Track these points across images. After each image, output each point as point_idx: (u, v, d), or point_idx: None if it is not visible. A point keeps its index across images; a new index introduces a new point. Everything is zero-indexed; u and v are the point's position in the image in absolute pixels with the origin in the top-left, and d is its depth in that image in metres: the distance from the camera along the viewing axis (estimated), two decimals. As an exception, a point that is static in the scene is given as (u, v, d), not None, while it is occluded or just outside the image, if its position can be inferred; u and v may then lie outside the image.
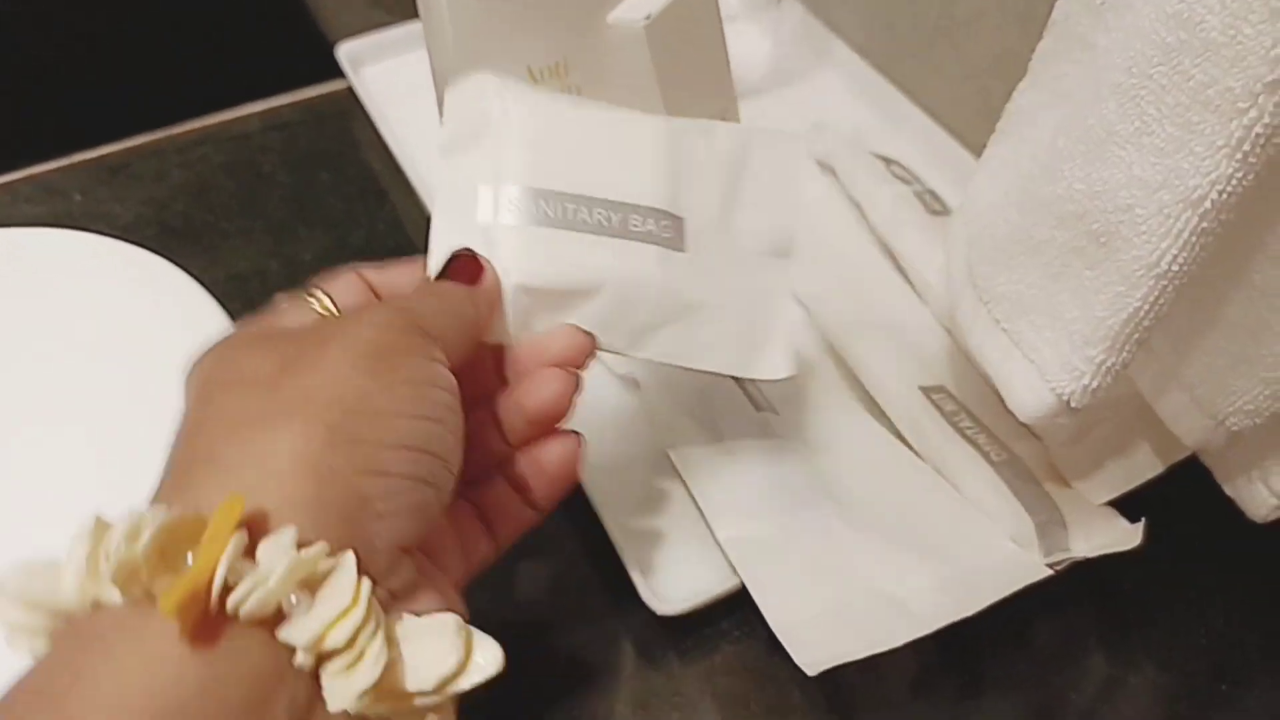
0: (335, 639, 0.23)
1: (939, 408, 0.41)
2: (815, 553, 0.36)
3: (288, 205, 0.55)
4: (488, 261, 0.33)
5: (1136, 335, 0.28)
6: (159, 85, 0.58)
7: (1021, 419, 0.32)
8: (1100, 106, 0.27)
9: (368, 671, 0.23)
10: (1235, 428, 0.31)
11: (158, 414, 0.39)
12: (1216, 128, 0.24)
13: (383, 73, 0.60)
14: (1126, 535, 0.35)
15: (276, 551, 0.22)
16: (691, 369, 0.35)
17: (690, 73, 0.45)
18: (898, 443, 0.41)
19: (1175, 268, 0.26)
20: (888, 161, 0.53)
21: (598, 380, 0.45)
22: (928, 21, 0.54)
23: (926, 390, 0.43)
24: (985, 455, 0.38)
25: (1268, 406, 0.29)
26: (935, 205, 0.50)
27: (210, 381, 0.27)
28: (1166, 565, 0.41)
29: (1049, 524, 0.35)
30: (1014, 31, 0.49)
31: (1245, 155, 0.24)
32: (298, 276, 0.51)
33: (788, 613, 0.34)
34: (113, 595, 0.22)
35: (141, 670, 0.22)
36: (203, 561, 0.22)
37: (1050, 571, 0.34)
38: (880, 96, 0.58)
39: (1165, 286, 0.27)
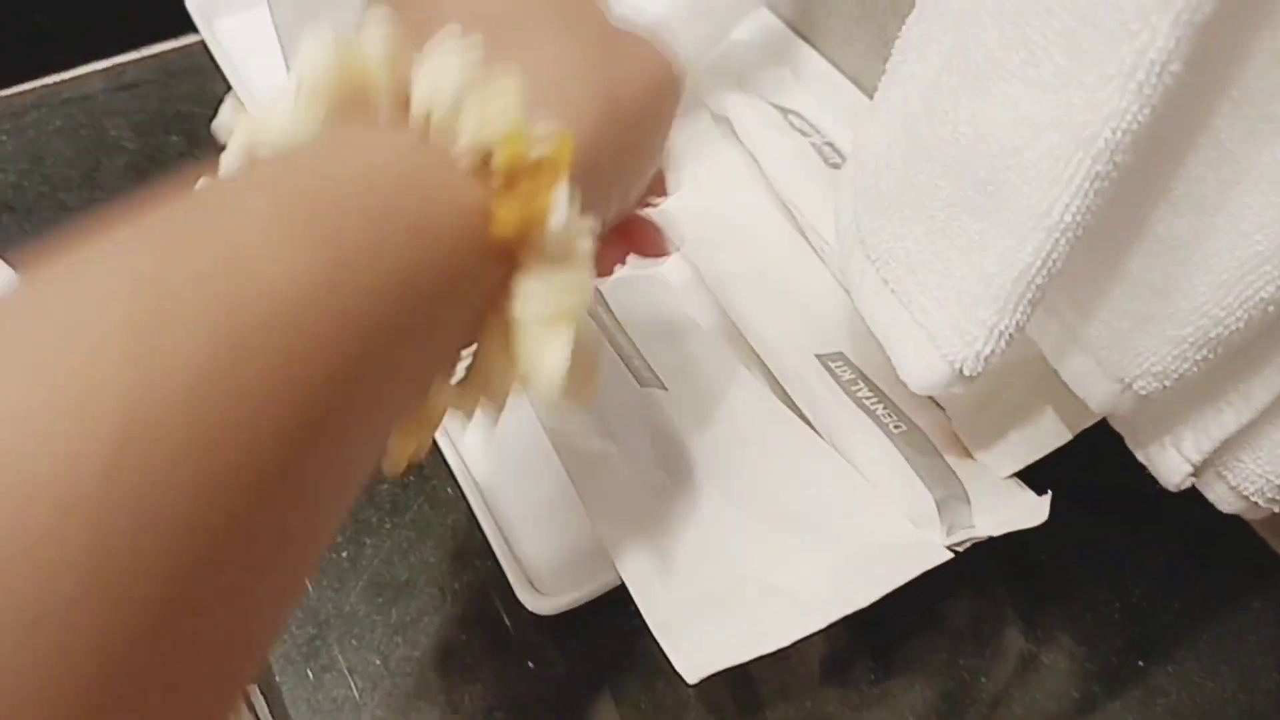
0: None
1: (835, 376, 0.38)
2: (700, 542, 0.33)
3: (136, 174, 0.50)
4: None
5: (1029, 295, 0.25)
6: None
7: (913, 389, 0.29)
8: (983, 34, 0.24)
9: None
10: (1144, 391, 0.28)
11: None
12: (1106, 54, 0.21)
13: (239, 26, 0.55)
14: (1033, 510, 0.32)
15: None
16: None
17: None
18: (791, 417, 0.37)
19: (1069, 218, 0.23)
20: (784, 111, 0.50)
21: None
22: (824, -42, 0.50)
23: (823, 358, 0.39)
24: (884, 427, 0.35)
25: (1176, 368, 0.26)
26: (835, 159, 0.47)
27: None
28: (1083, 534, 0.39)
29: (950, 499, 0.32)
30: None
31: (1140, 86, 0.21)
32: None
33: (669, 610, 0.31)
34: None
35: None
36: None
37: (950, 555, 0.31)
38: (776, 41, 0.55)
39: (1058, 239, 0.23)
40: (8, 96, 0.53)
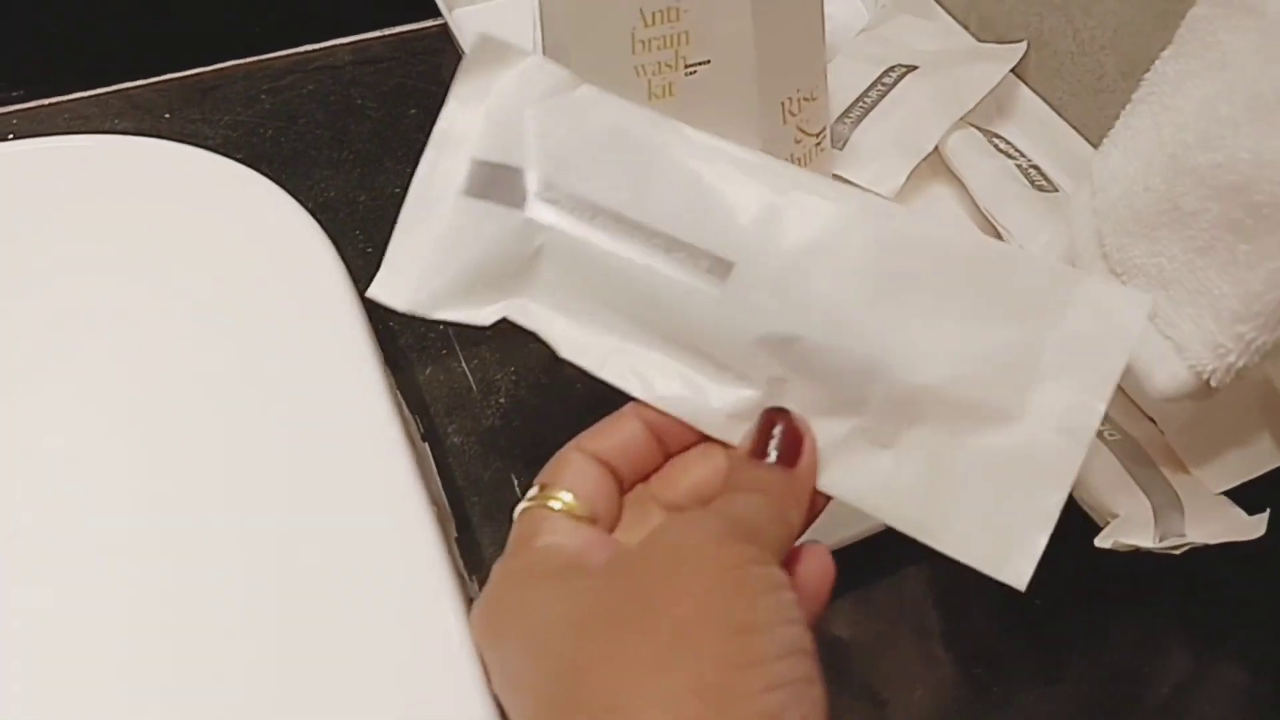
0: None
1: None
2: None
3: (377, 139, 0.54)
4: (807, 428, 0.29)
5: (1293, 314, 0.27)
6: (251, 12, 0.58)
7: (1154, 396, 0.31)
8: (1273, 70, 0.26)
9: None
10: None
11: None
12: None
13: (478, 14, 0.59)
14: (1247, 526, 0.34)
15: None
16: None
17: (785, 36, 0.44)
18: None
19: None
20: (989, 134, 0.52)
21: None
22: (1042, -7, 0.53)
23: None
24: (1099, 434, 0.37)
25: None
26: (1040, 180, 0.49)
27: (550, 627, 0.26)
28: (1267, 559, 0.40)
29: (1165, 507, 0.34)
30: (1136, 5, 0.47)
31: None
32: (386, 210, 0.51)
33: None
34: None
35: None
36: None
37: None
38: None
39: (1331, 264, 0.25)
40: (269, 60, 0.58)
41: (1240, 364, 0.28)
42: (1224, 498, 0.36)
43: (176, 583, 0.33)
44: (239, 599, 0.33)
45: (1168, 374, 0.30)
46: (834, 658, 0.36)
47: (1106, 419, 0.38)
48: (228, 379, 0.39)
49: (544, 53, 0.46)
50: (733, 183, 0.30)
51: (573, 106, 0.34)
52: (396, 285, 0.35)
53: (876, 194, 0.48)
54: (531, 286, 0.33)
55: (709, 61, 0.46)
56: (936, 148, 0.52)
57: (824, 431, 0.29)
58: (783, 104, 0.45)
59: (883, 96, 0.53)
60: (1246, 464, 0.35)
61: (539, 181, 0.33)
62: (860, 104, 0.53)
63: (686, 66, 0.46)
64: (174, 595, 0.33)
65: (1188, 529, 0.34)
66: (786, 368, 0.29)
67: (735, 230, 0.30)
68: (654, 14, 0.44)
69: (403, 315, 0.46)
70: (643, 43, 0.44)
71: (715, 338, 0.30)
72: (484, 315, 0.34)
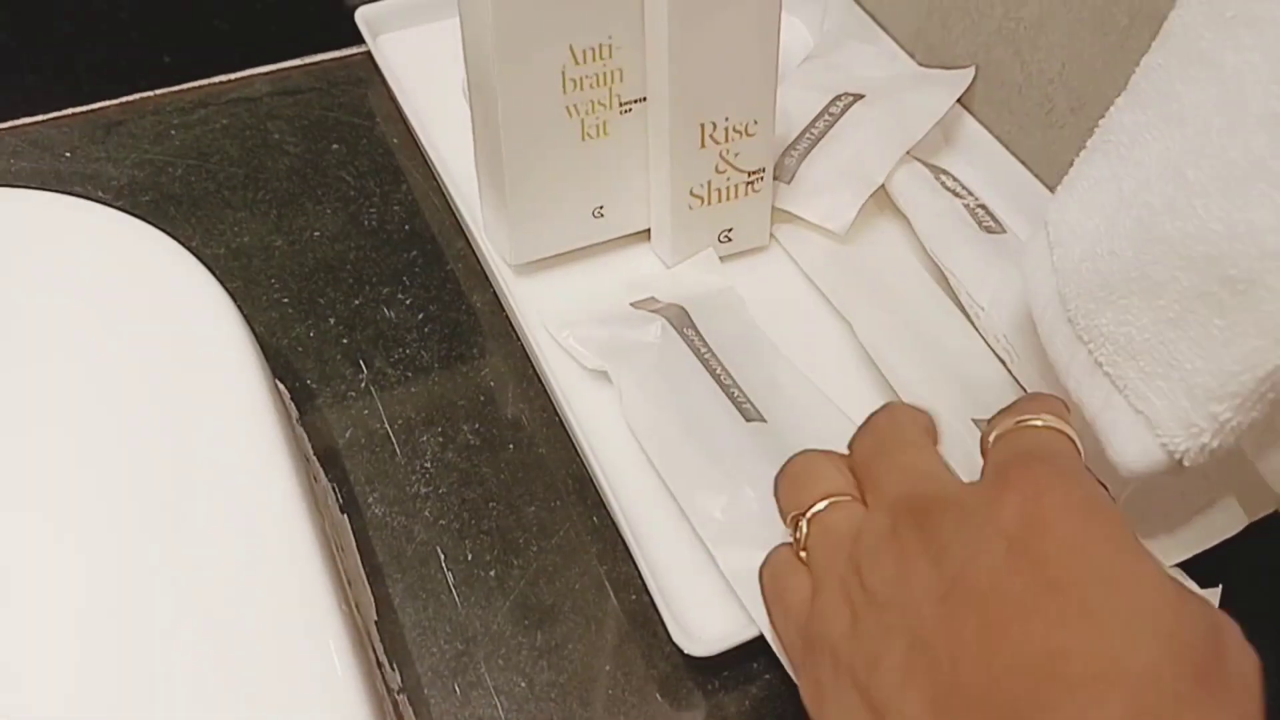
0: None
1: None
2: None
3: (296, 177, 0.51)
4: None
5: (1273, 394, 0.25)
6: (160, 41, 0.54)
7: (1122, 473, 0.29)
8: (1244, 137, 0.24)
9: None
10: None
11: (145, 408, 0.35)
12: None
13: (403, 40, 0.56)
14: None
15: None
16: None
17: (718, 66, 0.42)
18: None
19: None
20: (936, 170, 0.50)
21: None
22: (990, 22, 0.51)
23: (978, 422, 0.39)
24: None
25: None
26: (988, 221, 0.47)
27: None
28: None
29: None
30: (1085, 38, 0.46)
31: None
32: (305, 256, 0.48)
33: None
34: None
35: None
36: None
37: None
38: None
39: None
40: (179, 92, 0.54)
41: (1214, 445, 0.26)
42: (1176, 569, 0.34)
43: (49, 664, 0.30)
44: (115, 697, 0.30)
45: (1138, 449, 0.28)
46: None
47: None
48: (112, 451, 0.36)
49: (469, 90, 0.43)
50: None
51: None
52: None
53: (826, 229, 0.47)
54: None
55: (644, 99, 0.44)
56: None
57: None
58: (701, 126, 0.43)
59: (829, 127, 0.51)
60: (1203, 533, 0.34)
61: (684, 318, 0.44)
62: (807, 135, 0.51)
63: (621, 104, 0.44)
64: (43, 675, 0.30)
65: None
66: None
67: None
68: (585, 51, 0.41)
69: (320, 371, 0.44)
70: (574, 81, 0.42)
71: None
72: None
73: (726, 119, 0.44)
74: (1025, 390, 0.41)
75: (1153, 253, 0.27)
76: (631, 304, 0.45)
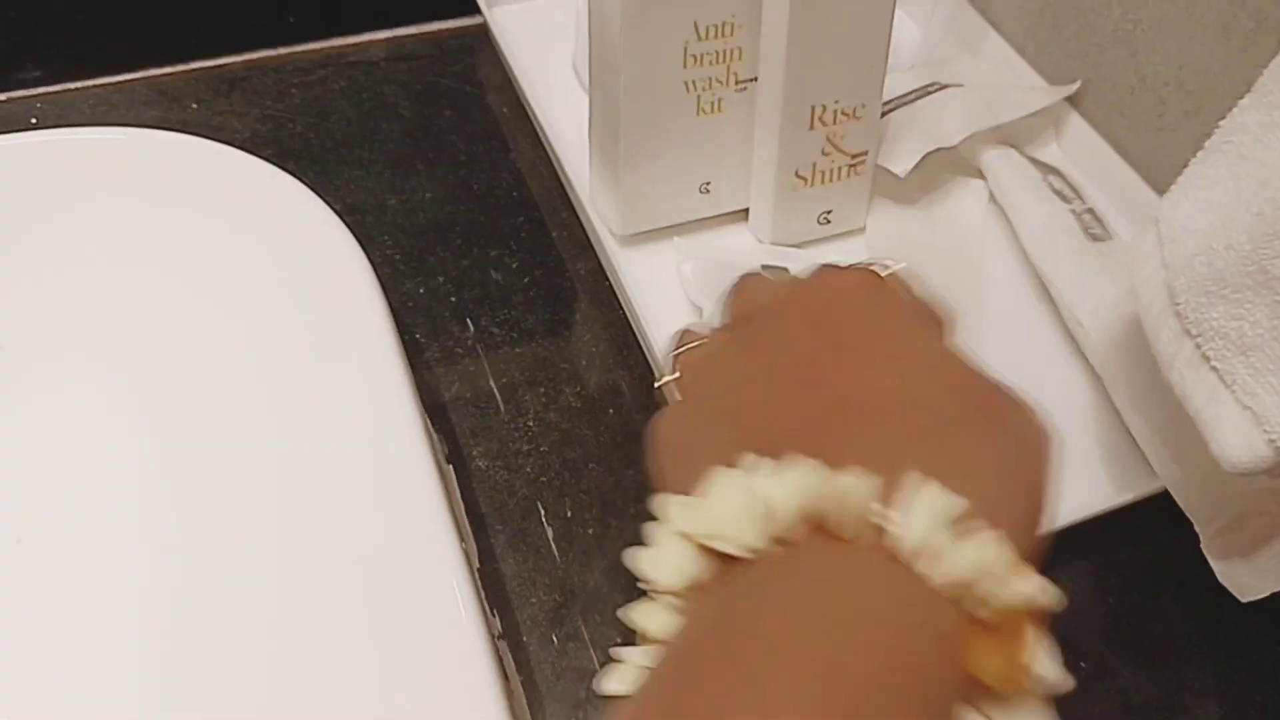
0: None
1: None
2: None
3: (409, 140, 0.53)
4: None
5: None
6: (284, 1, 0.56)
7: (1226, 468, 0.29)
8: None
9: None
10: None
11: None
12: None
13: (518, 13, 0.58)
14: None
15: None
16: None
17: (831, 48, 0.42)
18: None
19: None
20: (1045, 170, 0.50)
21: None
22: (1105, 25, 0.51)
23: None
24: None
25: None
26: (1095, 228, 0.47)
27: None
28: None
29: None
30: (1206, 42, 0.45)
31: None
32: (416, 216, 0.49)
33: None
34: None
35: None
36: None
37: None
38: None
39: None
40: (300, 52, 0.56)
41: (1331, 443, 0.26)
42: None
43: (193, 592, 0.32)
44: (257, 625, 0.31)
45: (1242, 444, 0.28)
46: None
47: None
48: (246, 388, 0.37)
49: (590, 61, 0.44)
50: None
51: None
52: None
53: (888, 170, 0.47)
54: None
55: (756, 78, 0.44)
56: (986, 177, 0.51)
57: None
58: (812, 108, 0.43)
59: (919, 99, 0.52)
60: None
61: None
62: (896, 102, 0.51)
63: (738, 83, 0.44)
64: (190, 605, 0.31)
65: None
66: None
67: None
68: (708, 28, 0.42)
69: (430, 327, 0.45)
70: (694, 57, 0.43)
71: None
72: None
73: (836, 102, 0.44)
74: (1118, 411, 0.41)
75: (1273, 247, 0.27)
76: (763, 266, 0.46)
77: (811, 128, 0.44)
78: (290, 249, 0.39)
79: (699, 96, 0.44)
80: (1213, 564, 0.36)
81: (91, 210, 0.39)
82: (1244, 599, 0.36)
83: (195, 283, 0.39)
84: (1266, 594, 0.35)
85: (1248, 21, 0.43)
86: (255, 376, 0.37)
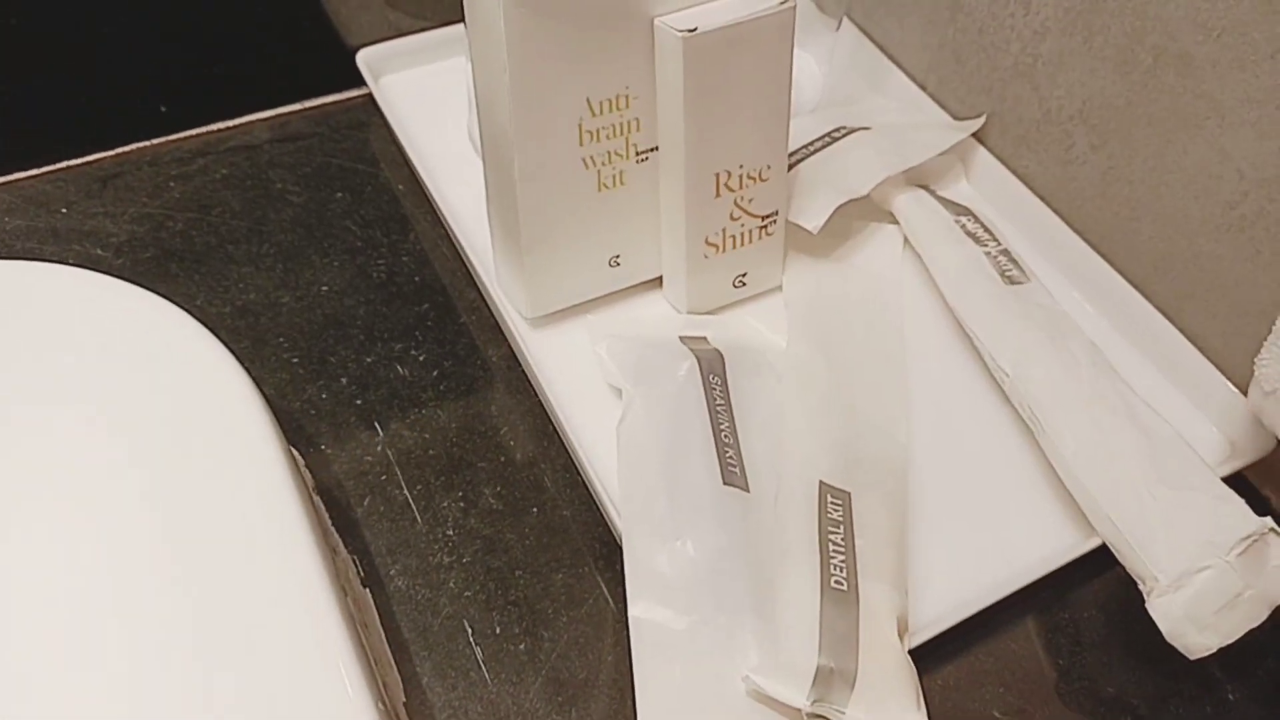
0: None
1: (825, 507, 0.37)
2: (716, 660, 0.34)
3: (300, 228, 0.50)
4: None
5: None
6: (155, 89, 0.53)
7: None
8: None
9: None
10: None
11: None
12: None
13: (405, 82, 0.55)
14: None
15: None
16: None
17: (731, 115, 0.41)
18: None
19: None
20: (957, 210, 0.49)
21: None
22: (1005, 59, 0.50)
23: (828, 487, 0.38)
24: (826, 575, 0.35)
25: None
26: (1010, 269, 0.46)
27: None
28: None
29: (833, 673, 0.32)
30: (1107, 75, 0.45)
31: None
32: (313, 312, 0.47)
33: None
34: None
35: None
36: None
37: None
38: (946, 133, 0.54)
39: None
40: (178, 140, 0.53)
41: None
42: (910, 690, 0.33)
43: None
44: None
45: None
46: None
47: (851, 569, 0.35)
48: (123, 527, 0.34)
49: (481, 143, 0.42)
50: None
51: None
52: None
53: (800, 227, 0.46)
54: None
55: (657, 147, 0.43)
56: (899, 220, 0.50)
57: None
58: (716, 175, 0.42)
59: (825, 146, 0.51)
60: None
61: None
62: (802, 151, 0.50)
63: (638, 154, 0.43)
64: None
65: (850, 708, 0.32)
66: None
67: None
68: (602, 102, 0.40)
69: (335, 434, 0.42)
70: (590, 133, 0.41)
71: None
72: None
73: (741, 166, 0.43)
74: (1053, 462, 0.40)
75: None
76: (681, 337, 0.44)
77: (718, 194, 0.43)
78: (160, 372, 0.36)
79: (599, 171, 0.42)
80: (1158, 622, 0.35)
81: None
82: (1192, 656, 0.35)
83: (62, 418, 0.36)
84: (1214, 650, 0.34)
85: (1145, 56, 0.43)
86: (132, 515, 0.34)
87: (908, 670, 0.34)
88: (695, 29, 0.38)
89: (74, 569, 0.33)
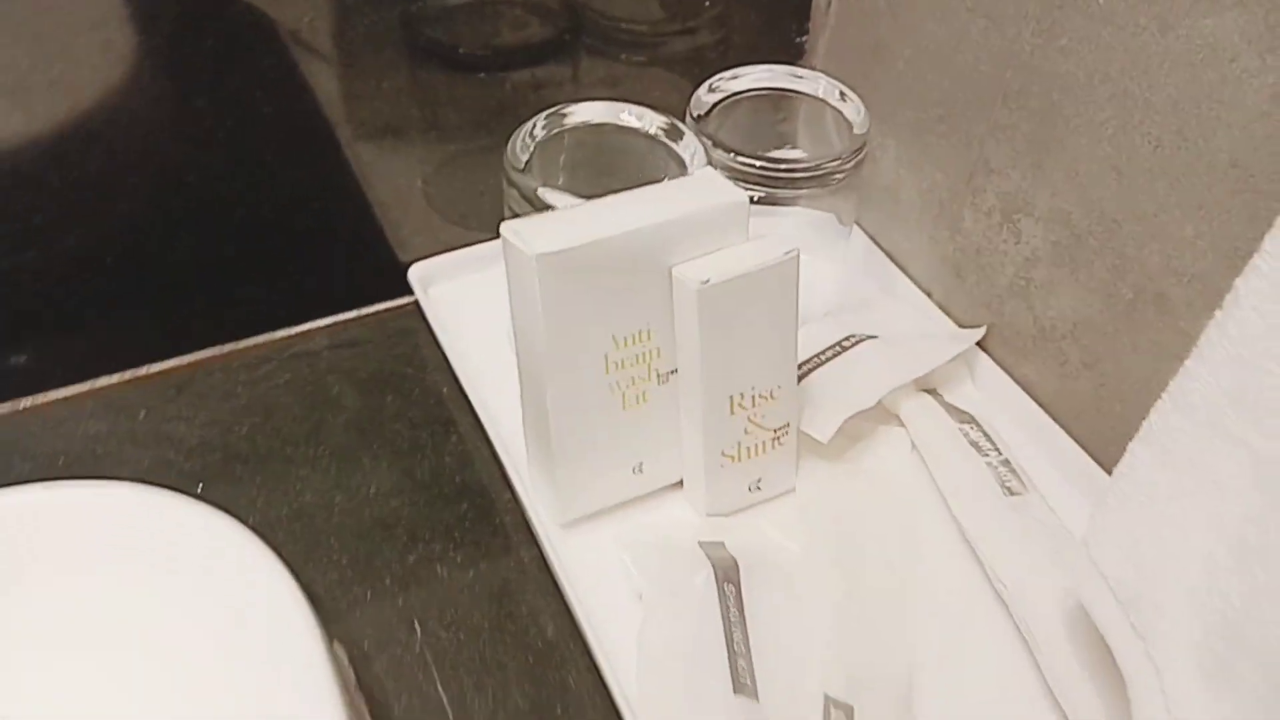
0: None
1: None
2: None
3: (354, 430, 0.55)
4: None
5: None
6: (224, 297, 0.59)
7: None
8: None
9: None
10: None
11: None
12: None
13: (450, 292, 0.60)
14: None
15: None
16: None
17: (745, 348, 0.45)
18: None
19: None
20: (961, 418, 0.53)
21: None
22: (1001, 279, 0.54)
23: (832, 700, 0.41)
24: None
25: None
26: (1010, 480, 0.49)
27: None
28: None
29: None
30: (1094, 304, 0.49)
31: None
32: (361, 513, 0.51)
33: None
34: None
35: None
36: None
37: None
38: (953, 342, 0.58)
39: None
40: (244, 349, 0.58)
41: None
42: None
43: None
44: None
45: None
46: None
47: None
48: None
49: (519, 369, 0.47)
50: None
51: None
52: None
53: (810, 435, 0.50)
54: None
55: (676, 370, 0.47)
56: (906, 427, 0.53)
57: None
58: (730, 397, 0.46)
59: (835, 356, 0.55)
60: None
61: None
62: (814, 360, 0.54)
63: (659, 376, 0.47)
64: None
65: None
66: None
67: None
68: (626, 337, 0.45)
69: (379, 634, 0.46)
70: (616, 363, 0.45)
71: None
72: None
73: (753, 388, 0.47)
74: (1049, 680, 0.42)
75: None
76: (700, 542, 0.48)
77: (732, 413, 0.47)
78: (217, 582, 0.41)
79: (624, 394, 0.46)
80: None
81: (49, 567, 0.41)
82: None
83: (120, 627, 0.41)
84: None
85: (1127, 291, 0.47)
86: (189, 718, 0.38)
87: None
88: (709, 280, 0.43)
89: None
